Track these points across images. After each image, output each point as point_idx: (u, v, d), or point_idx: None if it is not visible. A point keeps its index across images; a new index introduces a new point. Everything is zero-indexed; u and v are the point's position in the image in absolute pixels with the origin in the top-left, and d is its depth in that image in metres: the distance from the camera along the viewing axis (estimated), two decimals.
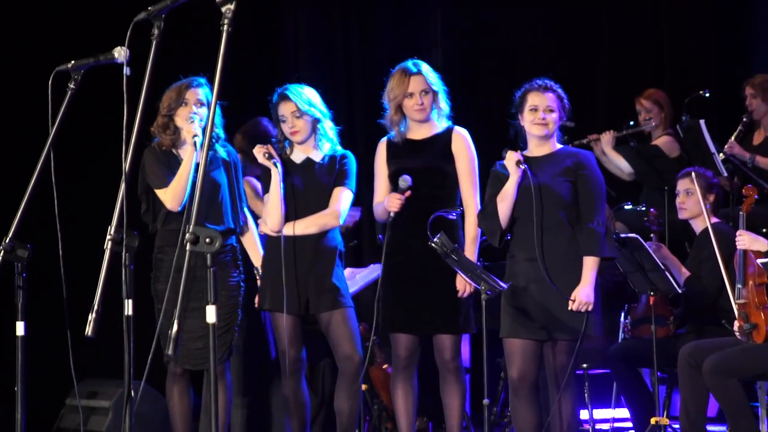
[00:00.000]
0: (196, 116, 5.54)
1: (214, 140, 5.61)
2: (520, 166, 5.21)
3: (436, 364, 5.62)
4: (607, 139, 7.88)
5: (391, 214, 5.45)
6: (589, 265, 5.19)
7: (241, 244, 5.77)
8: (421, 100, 5.55)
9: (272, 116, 5.79)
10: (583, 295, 5.14)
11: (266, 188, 5.68)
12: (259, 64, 8.63)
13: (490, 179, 5.40)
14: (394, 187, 5.55)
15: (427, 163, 5.55)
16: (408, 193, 5.44)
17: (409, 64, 5.62)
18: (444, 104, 5.62)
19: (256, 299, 5.74)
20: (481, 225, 5.38)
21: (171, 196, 5.54)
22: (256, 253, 5.78)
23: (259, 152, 5.62)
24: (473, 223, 5.49)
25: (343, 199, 5.66)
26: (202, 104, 5.59)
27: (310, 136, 5.71)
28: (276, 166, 5.59)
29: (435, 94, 5.58)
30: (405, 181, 5.46)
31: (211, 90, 5.58)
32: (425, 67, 5.62)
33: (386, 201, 5.49)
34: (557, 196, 5.23)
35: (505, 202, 5.24)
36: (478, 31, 8.89)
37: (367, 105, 8.78)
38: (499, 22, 8.85)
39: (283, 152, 5.73)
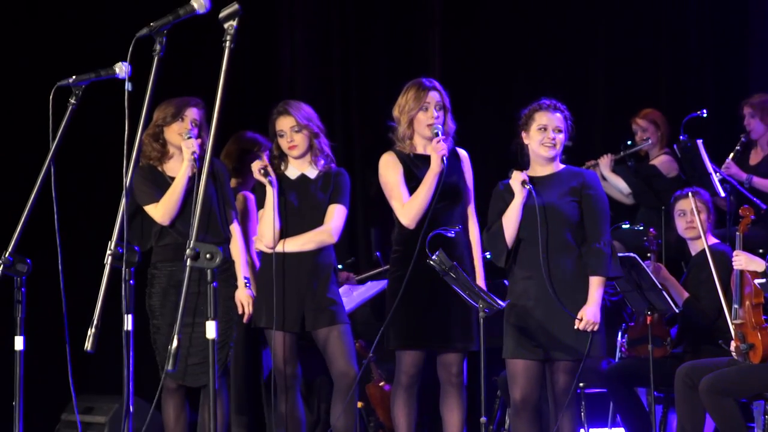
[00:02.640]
0: (192, 132, 5.53)
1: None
2: (526, 186, 5.18)
3: (431, 382, 5.59)
4: (605, 162, 7.88)
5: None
6: (596, 285, 5.18)
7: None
8: (438, 114, 5.51)
9: (269, 131, 5.79)
10: (590, 315, 5.13)
11: (260, 203, 5.68)
12: (255, 82, 8.64)
13: (493, 199, 5.37)
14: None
15: (445, 179, 5.46)
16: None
17: (423, 80, 5.59)
18: (451, 123, 5.60)
19: (245, 317, 5.67)
20: (487, 245, 5.35)
21: (163, 210, 5.53)
22: (239, 264, 5.68)
23: (256, 167, 5.62)
24: (479, 242, 5.49)
25: (338, 216, 5.67)
26: (196, 124, 5.58)
27: (307, 151, 5.71)
28: (270, 183, 5.60)
29: (447, 111, 5.58)
30: (436, 127, 5.44)
31: (206, 111, 5.59)
32: (438, 85, 5.61)
33: (434, 148, 5.37)
34: (563, 216, 5.21)
35: (510, 222, 5.22)
36: (475, 49, 8.91)
37: (363, 123, 8.80)
38: (497, 40, 8.86)
39: (278, 168, 5.72)
